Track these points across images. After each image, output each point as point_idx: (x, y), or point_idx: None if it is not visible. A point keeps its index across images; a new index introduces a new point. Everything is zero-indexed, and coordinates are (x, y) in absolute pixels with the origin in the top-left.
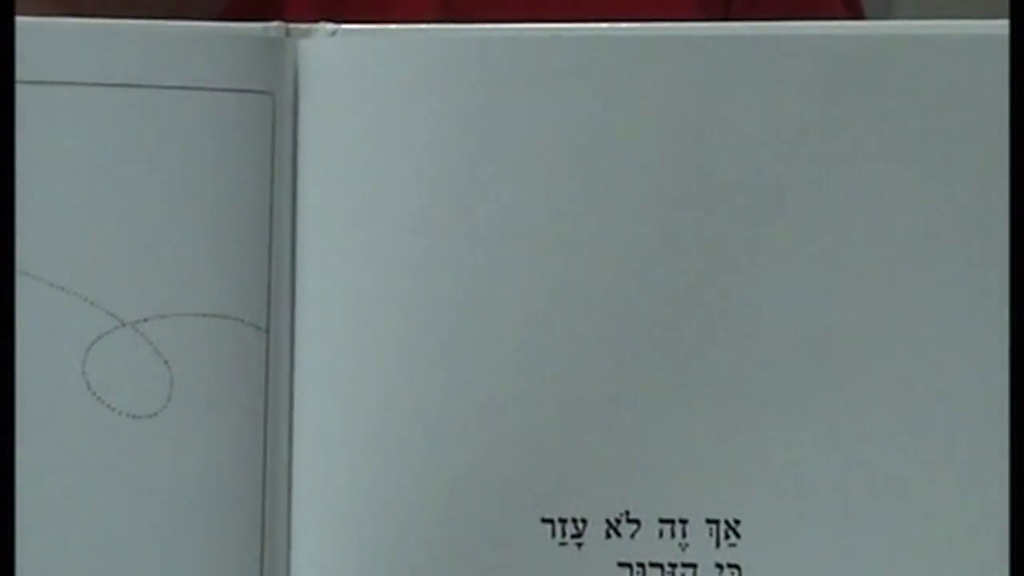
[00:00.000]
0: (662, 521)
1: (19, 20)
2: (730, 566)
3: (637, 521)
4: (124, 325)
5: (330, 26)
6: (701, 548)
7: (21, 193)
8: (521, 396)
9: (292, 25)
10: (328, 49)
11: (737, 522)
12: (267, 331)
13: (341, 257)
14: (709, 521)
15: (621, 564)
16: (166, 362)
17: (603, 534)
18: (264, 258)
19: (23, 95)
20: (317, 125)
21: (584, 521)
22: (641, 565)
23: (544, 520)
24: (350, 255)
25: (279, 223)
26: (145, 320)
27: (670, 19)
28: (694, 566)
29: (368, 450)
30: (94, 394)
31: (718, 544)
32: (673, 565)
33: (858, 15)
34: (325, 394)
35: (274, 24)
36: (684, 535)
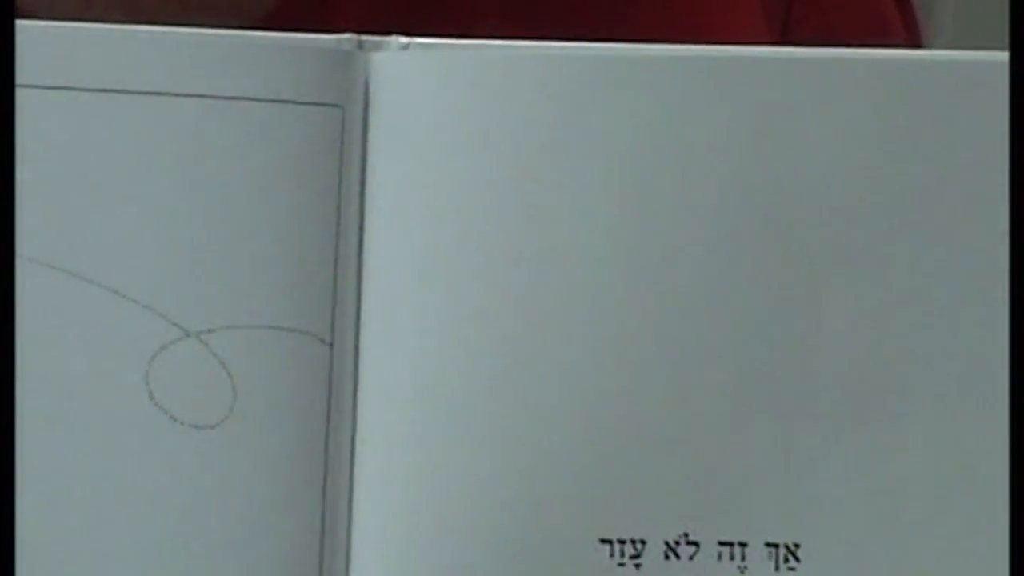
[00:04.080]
0: (721, 544)
1: (91, 28)
2: None
3: (696, 543)
4: (188, 335)
5: (403, 39)
6: (760, 571)
7: (88, 201)
8: (582, 415)
9: (364, 37)
10: (400, 63)
11: (797, 546)
12: (331, 344)
13: (407, 271)
14: (769, 544)
15: None
16: (229, 373)
17: (662, 555)
18: (330, 271)
19: (91, 103)
20: (386, 138)
21: (643, 542)
22: None
23: (603, 541)
24: (417, 269)
25: (346, 236)
26: (210, 331)
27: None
28: None
29: (429, 466)
30: (156, 404)
31: (777, 567)
32: None
33: (911, 17)
34: (388, 409)
35: (346, 36)
36: (743, 558)
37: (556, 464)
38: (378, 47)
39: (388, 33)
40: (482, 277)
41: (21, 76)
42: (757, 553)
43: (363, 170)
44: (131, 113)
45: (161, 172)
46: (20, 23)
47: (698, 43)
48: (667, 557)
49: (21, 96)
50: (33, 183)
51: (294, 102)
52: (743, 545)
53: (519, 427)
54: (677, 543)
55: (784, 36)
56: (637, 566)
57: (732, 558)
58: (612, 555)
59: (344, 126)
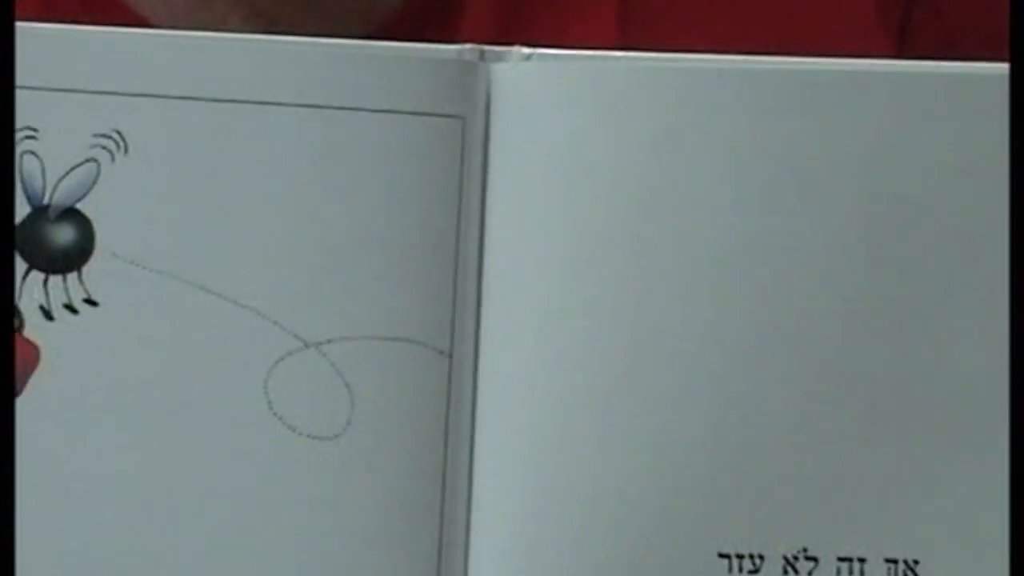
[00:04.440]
0: (840, 559)
1: (214, 38)
2: None
3: (815, 559)
4: (307, 346)
5: (525, 50)
6: None
7: (208, 213)
8: (703, 429)
9: (486, 48)
10: (522, 73)
11: (916, 562)
12: (450, 356)
13: (527, 284)
14: (888, 560)
15: None
16: (348, 384)
17: (780, 570)
18: (449, 283)
19: (211, 113)
20: (508, 149)
21: (761, 557)
22: None
23: (721, 555)
24: (536, 282)
25: (466, 248)
26: (329, 342)
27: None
28: None
29: (547, 479)
30: (275, 414)
31: None
32: None
33: None
34: (507, 420)
35: (468, 46)
36: (862, 574)
37: (676, 477)
38: (500, 58)
39: (510, 39)
40: (603, 290)
41: (144, 86)
42: (876, 569)
43: (484, 181)
44: (251, 124)
45: (282, 183)
46: (146, 33)
47: (814, 52)
48: (785, 572)
49: (143, 106)
50: (153, 194)
51: (415, 113)
52: (862, 561)
53: (639, 441)
54: (796, 558)
55: (901, 44)
56: None
57: (851, 573)
58: (731, 570)
59: (465, 137)
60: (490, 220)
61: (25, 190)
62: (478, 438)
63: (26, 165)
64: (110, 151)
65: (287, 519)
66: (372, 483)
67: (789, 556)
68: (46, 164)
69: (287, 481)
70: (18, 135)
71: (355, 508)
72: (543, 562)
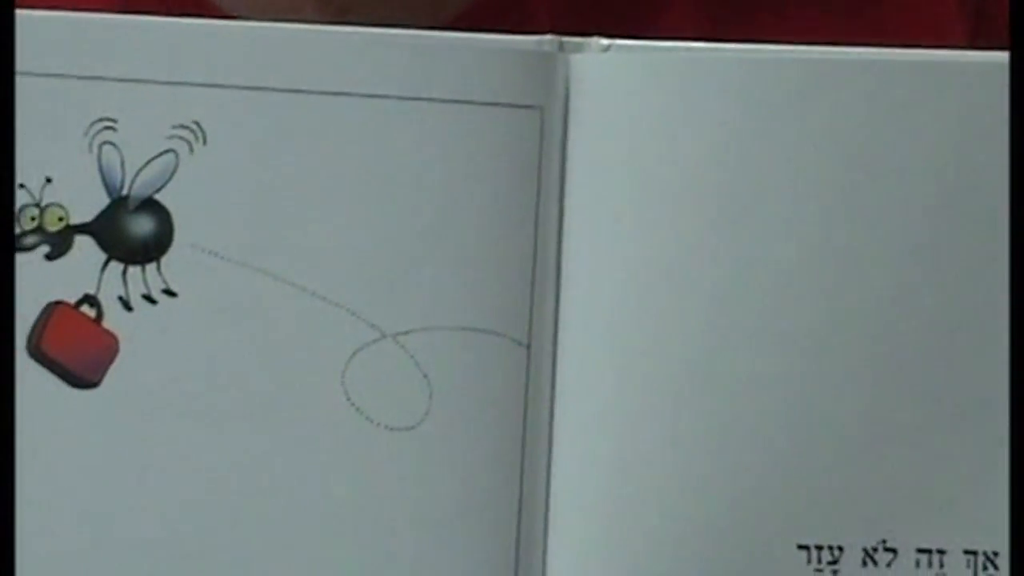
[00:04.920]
0: (920, 551)
1: (291, 30)
2: None
3: (894, 550)
4: (385, 337)
5: (603, 40)
6: None
7: (287, 204)
8: (782, 420)
9: (565, 39)
10: (600, 64)
11: (995, 554)
12: (528, 347)
13: (606, 274)
14: (967, 552)
15: None
16: (426, 375)
17: (859, 562)
18: (528, 274)
19: (288, 104)
20: (586, 140)
21: (840, 549)
22: None
23: (800, 547)
24: (615, 272)
25: (544, 239)
26: (407, 332)
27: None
28: None
29: (626, 469)
30: (353, 405)
31: (976, 575)
32: None
33: None
34: (586, 412)
35: (547, 37)
36: (942, 566)
37: (754, 469)
38: (579, 48)
39: (586, 32)
40: (681, 280)
41: (222, 77)
42: (955, 560)
43: (562, 172)
44: (329, 115)
45: (360, 174)
46: (224, 24)
47: (891, 41)
48: (865, 563)
49: (221, 97)
50: (232, 184)
51: (493, 104)
52: (941, 552)
53: (719, 432)
54: (875, 550)
55: (976, 27)
56: (835, 572)
57: (930, 565)
58: (809, 561)
59: (543, 128)
60: (568, 211)
61: (104, 181)
62: (556, 429)
63: (105, 156)
64: (188, 142)
65: (365, 510)
66: (450, 474)
67: (868, 548)
68: (125, 155)
69: (365, 472)
70: (97, 126)
71: (433, 499)
72: (621, 553)
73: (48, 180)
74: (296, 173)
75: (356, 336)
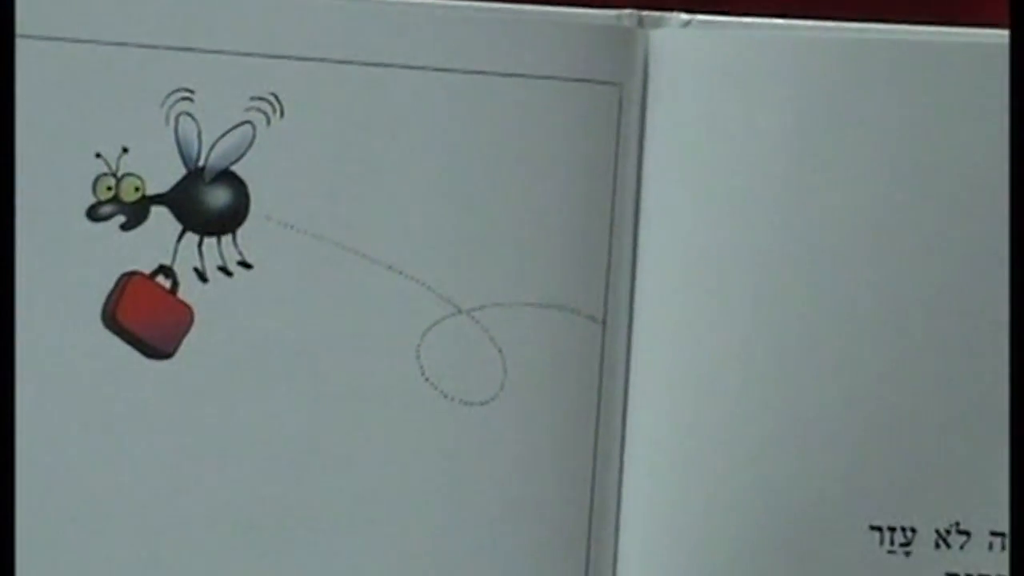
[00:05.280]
0: (993, 534)
1: (369, 2)
2: None
3: (967, 533)
4: (460, 312)
5: (684, 16)
6: None
7: (364, 178)
8: (855, 402)
9: (645, 13)
10: (680, 40)
11: None
12: (603, 323)
13: (682, 253)
14: None
15: (949, 575)
16: (500, 350)
17: (932, 544)
18: (604, 250)
19: (367, 77)
20: (665, 117)
21: (914, 530)
22: None
23: (872, 528)
24: (691, 251)
25: (620, 215)
26: (481, 308)
27: None
28: None
29: (700, 447)
30: (427, 380)
31: None
32: None
33: None
34: (661, 389)
35: (627, 12)
36: None
37: (828, 449)
38: (658, 23)
39: (666, 7)
40: (759, 258)
41: (300, 49)
42: None
43: (640, 149)
44: (406, 88)
45: (436, 148)
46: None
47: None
48: (937, 546)
49: (299, 69)
50: (308, 157)
51: (572, 79)
52: None
53: (793, 412)
54: (948, 532)
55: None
56: (907, 554)
57: (1003, 548)
58: (882, 543)
59: (622, 103)
60: (646, 187)
61: (181, 152)
62: (631, 406)
63: (182, 127)
64: (265, 114)
65: (438, 484)
66: (523, 449)
67: (941, 530)
68: (202, 126)
69: (438, 446)
70: (174, 96)
71: (506, 474)
72: (694, 530)
73: (125, 150)
74: (373, 147)
75: (431, 311)
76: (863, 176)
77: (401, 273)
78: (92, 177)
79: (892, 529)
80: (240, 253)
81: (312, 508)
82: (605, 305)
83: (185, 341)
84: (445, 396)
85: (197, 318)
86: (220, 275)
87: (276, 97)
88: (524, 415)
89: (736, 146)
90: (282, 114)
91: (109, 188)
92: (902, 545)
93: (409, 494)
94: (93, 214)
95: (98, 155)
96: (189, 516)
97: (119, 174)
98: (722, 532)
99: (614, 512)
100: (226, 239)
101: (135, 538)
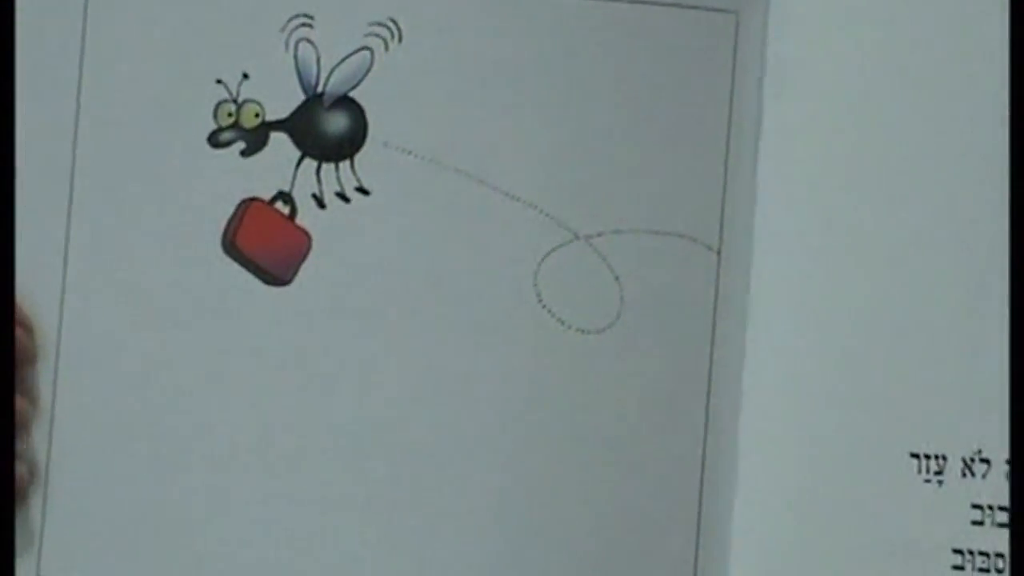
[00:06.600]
0: (1007, 463)
1: None
2: None
3: (988, 461)
4: (578, 239)
5: None
6: None
7: (485, 104)
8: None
9: None
10: None
11: None
12: (719, 252)
13: (802, 184)
14: None
15: (975, 506)
16: (617, 278)
17: (959, 472)
18: (720, 180)
19: (493, 3)
20: (784, 47)
21: (944, 458)
22: (991, 508)
23: (912, 455)
24: (812, 182)
25: (738, 145)
26: (599, 235)
27: None
28: None
29: (816, 378)
30: (544, 307)
31: None
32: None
33: None
34: (776, 317)
35: None
36: None
37: (878, 375)
38: None
39: None
40: (877, 190)
41: None
42: None
43: (760, 78)
44: (526, 15)
45: (556, 75)
46: None
47: None
48: (964, 475)
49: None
50: (426, 83)
51: (688, 7)
52: None
53: (873, 344)
54: (972, 460)
55: None
56: (940, 483)
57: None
58: (919, 471)
59: (739, 33)
60: (766, 118)
61: (300, 78)
62: (749, 335)
63: (301, 53)
64: (384, 39)
65: (554, 410)
66: (639, 377)
67: (967, 458)
68: (321, 52)
69: (555, 373)
70: (294, 22)
71: (622, 401)
72: (807, 457)
73: (245, 76)
74: (492, 73)
75: (549, 237)
76: (995, 123)
77: (519, 199)
78: (213, 103)
79: (928, 457)
80: (358, 179)
81: (428, 431)
82: (720, 234)
83: (303, 269)
84: (561, 323)
85: (315, 245)
86: (338, 201)
87: (395, 22)
88: (640, 343)
89: (858, 79)
90: (400, 39)
91: (230, 114)
92: (936, 473)
93: (525, 419)
94: (214, 140)
95: (219, 81)
96: (306, 441)
97: (239, 100)
98: (816, 455)
99: (730, 437)
100: (344, 165)
101: (253, 461)
